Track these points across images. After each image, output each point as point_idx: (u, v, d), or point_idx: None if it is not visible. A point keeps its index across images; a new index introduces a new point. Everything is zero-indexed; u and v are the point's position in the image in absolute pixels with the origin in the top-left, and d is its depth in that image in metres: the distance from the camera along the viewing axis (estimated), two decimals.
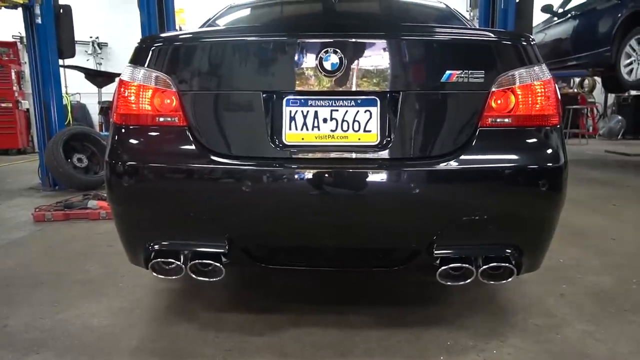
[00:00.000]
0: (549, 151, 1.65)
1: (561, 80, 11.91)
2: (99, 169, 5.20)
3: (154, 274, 1.73)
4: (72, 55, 5.36)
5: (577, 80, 12.01)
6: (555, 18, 7.01)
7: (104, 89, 8.37)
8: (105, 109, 7.64)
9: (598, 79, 10.18)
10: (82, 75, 7.84)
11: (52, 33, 5.09)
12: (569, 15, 6.62)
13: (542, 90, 1.66)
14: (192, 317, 2.04)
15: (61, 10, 5.19)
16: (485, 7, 4.69)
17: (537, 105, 1.65)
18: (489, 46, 1.66)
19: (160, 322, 2.01)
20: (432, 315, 2.04)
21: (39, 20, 4.99)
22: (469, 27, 2.12)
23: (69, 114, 9.15)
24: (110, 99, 7.53)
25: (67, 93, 9.48)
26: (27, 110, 9.39)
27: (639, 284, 2.42)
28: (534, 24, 6.50)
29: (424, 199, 1.61)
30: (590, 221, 3.69)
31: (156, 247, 1.70)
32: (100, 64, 11.05)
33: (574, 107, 10.99)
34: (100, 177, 5.05)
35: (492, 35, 1.72)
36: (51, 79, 5.14)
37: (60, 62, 5.36)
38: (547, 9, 6.96)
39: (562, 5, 7.03)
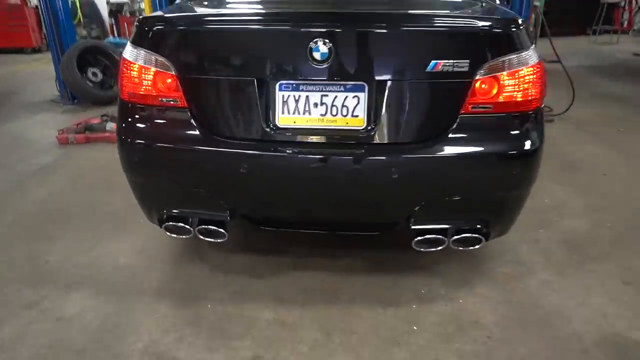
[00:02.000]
0: (525, 136, 1.76)
1: None
2: (113, 82, 5.33)
3: (167, 233, 1.99)
4: None
5: None
6: None
7: None
8: (114, 12, 7.47)
9: None
10: None
11: None
12: None
13: (527, 76, 1.72)
14: (205, 258, 2.36)
15: None
16: None
17: (520, 93, 1.72)
18: (474, 35, 1.69)
19: (178, 264, 2.33)
20: (412, 262, 2.29)
21: None
22: (464, 13, 2.05)
23: (78, 11, 8.98)
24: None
25: None
26: (37, 7, 9.20)
27: (611, 228, 2.62)
28: None
29: (404, 179, 1.77)
30: (587, 152, 3.80)
31: (163, 212, 1.95)
32: None
33: (610, 1, 10.24)
34: (114, 92, 5.20)
35: (478, 24, 1.72)
36: None
37: None
38: None
39: None
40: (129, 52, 1.82)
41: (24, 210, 2.89)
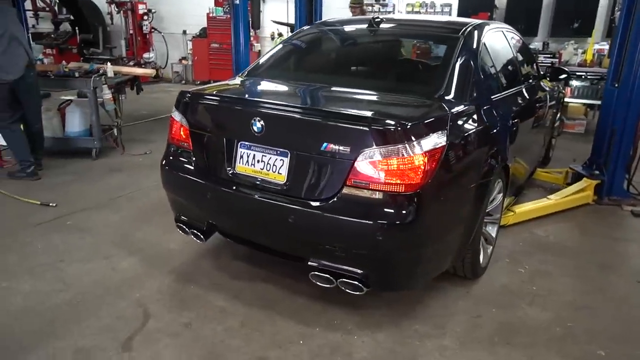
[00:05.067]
0: (395, 213, 2.19)
1: None
2: None
3: (178, 230, 2.97)
4: (259, 27, 6.84)
5: None
6: None
7: None
8: None
9: None
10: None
11: (245, 10, 6.59)
12: None
13: (401, 165, 2.16)
14: (218, 257, 3.27)
15: None
16: None
17: (393, 177, 2.17)
18: (354, 128, 2.22)
19: (200, 256, 3.29)
20: (353, 300, 2.71)
21: (237, 2, 6.52)
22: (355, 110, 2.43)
23: None
24: None
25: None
26: (259, 52, 11.72)
27: (569, 328, 2.58)
28: None
29: (303, 225, 2.38)
30: None
31: (178, 215, 2.94)
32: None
33: None
34: None
35: (358, 121, 2.23)
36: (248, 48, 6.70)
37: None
38: None
39: None
40: (174, 111, 2.89)
41: (149, 201, 4.27)
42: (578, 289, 2.99)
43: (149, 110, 8.26)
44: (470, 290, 2.94)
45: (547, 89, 4.44)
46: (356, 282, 2.33)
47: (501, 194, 3.11)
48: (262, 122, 2.41)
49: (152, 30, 11.85)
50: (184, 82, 12.28)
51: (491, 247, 3.19)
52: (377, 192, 2.22)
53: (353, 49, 3.48)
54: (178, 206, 2.96)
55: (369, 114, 2.28)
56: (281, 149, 2.43)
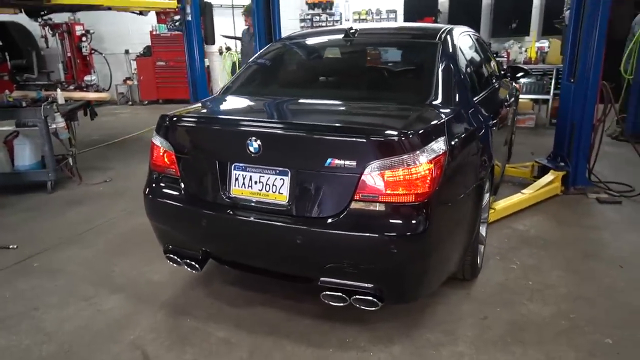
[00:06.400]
0: (406, 223, 2.15)
1: None
2: None
3: (167, 260, 2.80)
4: (213, 42, 6.70)
5: None
6: None
7: None
8: None
9: None
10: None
11: (198, 25, 6.43)
12: None
13: (408, 175, 2.13)
14: (208, 285, 3.11)
15: (205, 7, 6.47)
16: None
17: (402, 188, 2.14)
18: (359, 142, 2.17)
19: (189, 286, 3.12)
20: (359, 316, 2.67)
21: (189, 18, 6.36)
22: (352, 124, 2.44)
23: (237, 69, 10.97)
24: None
25: (236, 51, 11.27)
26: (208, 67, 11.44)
27: (572, 319, 2.65)
28: None
29: (311, 245, 2.30)
30: (626, 240, 3.62)
31: (167, 246, 2.76)
32: None
33: None
34: None
35: (361, 133, 2.20)
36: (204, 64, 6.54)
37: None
38: None
39: None
40: (155, 136, 2.72)
41: (119, 233, 4.02)
42: (570, 280, 3.07)
43: (99, 135, 7.85)
44: (471, 292, 2.95)
45: (509, 87, 4.61)
46: (371, 298, 2.27)
47: (488, 193, 3.17)
48: (258, 142, 2.31)
49: (92, 51, 11.32)
50: (130, 103, 11.82)
51: (483, 246, 3.23)
52: (387, 205, 2.18)
53: (335, 62, 3.44)
54: (167, 236, 2.78)
55: (373, 126, 2.24)
56: (280, 168, 2.34)
